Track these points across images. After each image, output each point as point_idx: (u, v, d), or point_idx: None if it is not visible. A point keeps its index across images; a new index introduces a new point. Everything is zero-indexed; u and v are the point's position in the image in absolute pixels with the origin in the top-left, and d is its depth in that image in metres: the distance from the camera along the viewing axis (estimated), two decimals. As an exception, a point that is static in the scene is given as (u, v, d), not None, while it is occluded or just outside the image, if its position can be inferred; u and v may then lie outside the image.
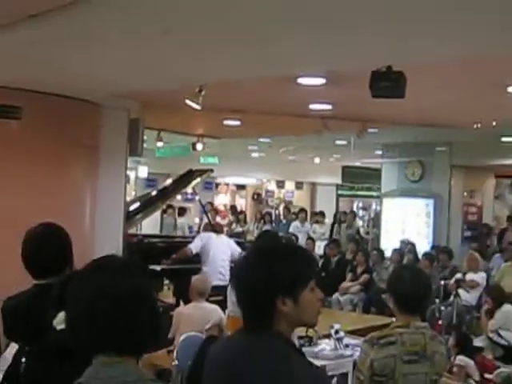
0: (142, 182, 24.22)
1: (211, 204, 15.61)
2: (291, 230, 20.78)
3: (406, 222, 18.82)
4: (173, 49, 6.31)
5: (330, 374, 6.28)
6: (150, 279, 2.56)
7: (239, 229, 22.83)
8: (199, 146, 15.05)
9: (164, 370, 7.07)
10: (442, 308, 12.82)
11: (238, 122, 13.53)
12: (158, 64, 7.08)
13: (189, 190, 14.91)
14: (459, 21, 4.91)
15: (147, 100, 9.94)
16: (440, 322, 12.29)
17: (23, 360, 3.43)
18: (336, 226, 23.16)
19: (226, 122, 13.57)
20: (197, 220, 23.19)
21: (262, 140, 18.90)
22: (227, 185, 30.85)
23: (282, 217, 26.04)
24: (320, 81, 8.71)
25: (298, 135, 16.50)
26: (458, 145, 17.88)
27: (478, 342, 11.21)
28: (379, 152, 19.91)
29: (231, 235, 18.00)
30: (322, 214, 22.59)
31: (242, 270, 2.72)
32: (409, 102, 7.32)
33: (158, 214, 19.48)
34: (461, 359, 9.80)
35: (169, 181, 14.75)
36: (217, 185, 29.12)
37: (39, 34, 5.87)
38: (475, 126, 13.11)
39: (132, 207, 12.56)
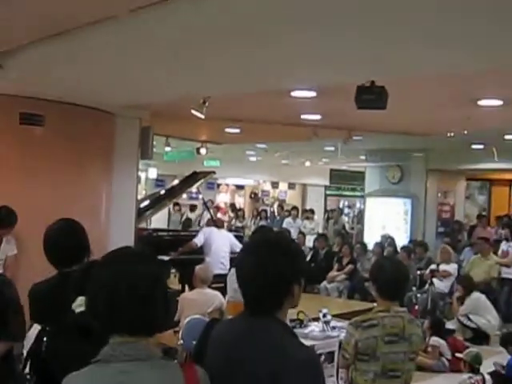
0: (151, 182, 24.17)
1: (212, 201, 15.59)
2: (284, 225, 20.76)
3: (386, 219, 18.79)
4: (180, 67, 6.33)
5: (318, 352, 6.30)
6: (162, 267, 2.57)
7: (238, 224, 22.80)
8: (203, 151, 15.03)
9: (170, 349, 7.07)
10: (418, 295, 12.82)
11: (237, 130, 13.51)
12: (167, 80, 7.09)
13: (193, 189, 14.90)
14: (434, 42, 4.93)
15: (157, 110, 9.93)
16: (416, 308, 12.30)
17: (45, 339, 3.44)
18: (324, 221, 23.19)
19: (227, 130, 13.55)
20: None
21: (258, 145, 18.87)
22: (227, 185, 30.79)
23: (276, 214, 25.97)
24: (311, 94, 8.71)
25: (290, 141, 16.48)
26: (432, 151, 17.88)
27: (450, 325, 11.23)
28: (363, 157, 19.89)
29: (231, 230, 17.98)
30: (311, 211, 22.56)
31: (264, 260, 2.69)
32: (390, 113, 7.31)
33: (166, 210, 19.46)
34: (435, 340, 9.83)
35: (175, 181, 14.78)
36: (218, 185, 29.09)
37: (62, 51, 5.88)
38: (448, 135, 13.10)
39: (143, 204, 12.53)
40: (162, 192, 14.14)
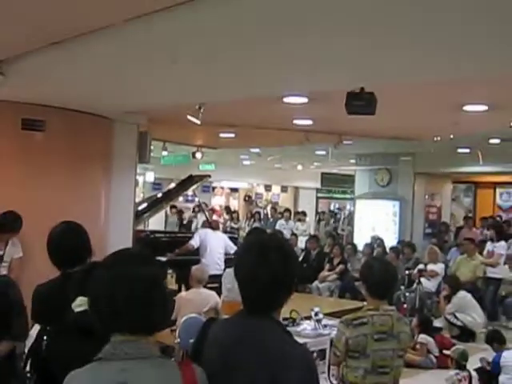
0: (149, 185, 24.15)
1: (206, 204, 15.58)
2: (277, 227, 20.76)
3: (375, 221, 18.79)
4: (177, 74, 6.33)
5: (310, 350, 6.31)
6: (162, 268, 2.57)
7: (233, 225, 22.80)
8: (198, 155, 15.01)
9: (167, 347, 7.07)
10: (407, 294, 12.83)
11: (231, 135, 13.51)
12: (164, 87, 7.09)
13: (189, 192, 14.89)
14: (422, 51, 4.94)
15: (154, 115, 9.93)
16: (405, 306, 12.31)
17: (45, 338, 3.43)
18: (315, 223, 23.18)
19: (222, 135, 13.56)
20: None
21: (252, 150, 18.88)
22: (222, 188, 30.81)
23: (269, 216, 25.96)
24: (302, 100, 8.72)
25: (283, 146, 16.50)
26: (420, 155, 17.90)
27: (437, 322, 11.25)
28: (353, 161, 19.90)
29: (226, 231, 17.97)
30: (303, 213, 22.56)
31: (266, 261, 2.69)
32: (379, 119, 7.32)
33: (163, 212, 19.44)
34: (423, 337, 9.86)
35: (172, 184, 14.74)
36: (213, 188, 29.08)
37: (62, 58, 5.88)
38: (435, 139, 13.11)
39: (140, 207, 12.53)
40: (159, 195, 14.13)
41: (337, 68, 5.81)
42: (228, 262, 10.65)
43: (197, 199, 16.03)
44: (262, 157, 20.47)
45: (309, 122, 11.19)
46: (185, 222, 22.02)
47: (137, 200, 11.74)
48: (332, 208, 30.95)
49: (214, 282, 9.25)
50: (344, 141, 12.96)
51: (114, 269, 2.43)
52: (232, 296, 7.79)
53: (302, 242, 18.09)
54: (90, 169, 9.04)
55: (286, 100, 8.72)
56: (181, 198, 19.01)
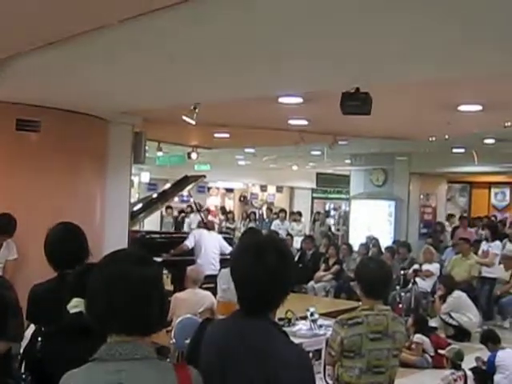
0: (144, 185, 24.14)
1: (199, 204, 15.55)
2: (272, 227, 20.78)
3: (371, 221, 18.81)
4: (172, 75, 6.34)
5: (306, 350, 6.31)
6: (159, 269, 2.58)
7: (229, 225, 22.81)
8: (193, 155, 15.03)
9: (163, 347, 7.07)
10: (402, 294, 12.84)
11: (226, 135, 13.52)
12: (159, 87, 7.10)
13: (185, 192, 14.88)
14: (416, 52, 4.96)
15: (149, 116, 9.93)
16: (400, 306, 12.33)
17: (39, 339, 3.43)
18: (310, 223, 23.19)
19: (217, 135, 13.56)
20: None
21: (247, 150, 18.88)
22: (218, 188, 30.81)
23: (264, 216, 26.02)
24: (298, 100, 8.74)
25: (278, 146, 16.50)
26: (415, 155, 17.93)
27: (432, 322, 11.27)
28: (348, 161, 19.90)
29: (221, 232, 17.98)
30: (299, 213, 22.59)
31: (266, 262, 2.69)
32: (374, 119, 7.33)
33: (158, 213, 19.44)
34: (418, 337, 9.87)
35: (167, 185, 14.73)
36: (209, 188, 29.10)
37: (57, 59, 5.88)
38: (430, 139, 13.15)
39: (135, 208, 12.54)
40: (155, 195, 14.13)
41: (332, 68, 5.83)
42: (223, 263, 10.65)
43: (192, 199, 16.00)
44: (258, 157, 20.47)
45: (304, 122, 11.20)
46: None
47: (132, 200, 11.74)
48: (327, 208, 30.94)
49: (210, 283, 9.24)
50: (339, 141, 12.98)
51: (111, 269, 2.43)
52: (227, 297, 7.80)
53: (297, 243, 18.10)
54: (84, 169, 9.04)
55: (281, 100, 8.73)
56: (176, 199, 19.00)
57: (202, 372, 2.49)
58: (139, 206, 13.01)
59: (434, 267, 13.54)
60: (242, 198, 30.84)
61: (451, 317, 11.46)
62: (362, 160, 19.07)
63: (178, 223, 22.02)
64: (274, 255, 2.71)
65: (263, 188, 32.65)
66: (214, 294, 8.40)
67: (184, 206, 22.87)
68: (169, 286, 11.97)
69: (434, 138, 13.09)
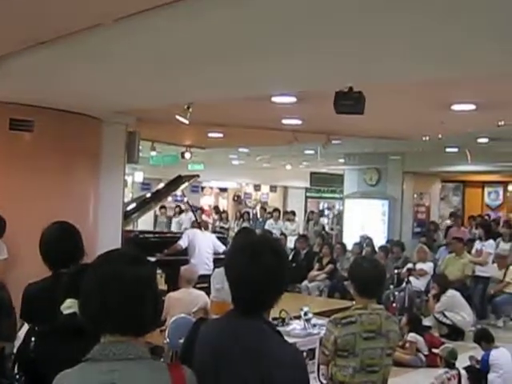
0: (137, 185, 24.10)
1: (189, 204, 15.49)
2: (266, 226, 20.78)
3: (364, 220, 18.82)
4: (166, 75, 6.34)
5: (300, 349, 6.32)
6: (153, 269, 2.57)
7: (223, 225, 22.81)
8: (187, 155, 15.02)
9: (157, 347, 7.07)
10: (396, 293, 12.87)
11: (220, 135, 13.52)
12: (153, 87, 7.10)
13: (178, 192, 14.88)
14: (410, 52, 4.97)
15: (143, 115, 9.92)
16: (394, 305, 12.37)
17: (33, 339, 3.43)
18: (304, 223, 23.20)
19: (211, 135, 13.55)
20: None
21: (241, 150, 18.89)
22: (211, 188, 30.81)
23: (258, 215, 26.01)
24: (291, 100, 8.74)
25: (272, 146, 16.51)
26: (409, 154, 17.96)
27: (426, 321, 11.30)
28: (342, 160, 19.92)
29: (215, 231, 17.98)
30: (292, 213, 22.58)
31: (263, 262, 2.70)
32: (367, 118, 7.34)
33: (152, 213, 19.42)
34: (412, 336, 9.90)
35: (161, 185, 14.71)
36: (202, 188, 29.07)
37: (51, 59, 5.87)
38: (424, 139, 13.17)
39: (129, 207, 12.53)
40: (148, 195, 14.12)
41: (325, 68, 5.83)
42: (217, 262, 10.66)
43: (185, 199, 15.99)
44: (251, 156, 20.49)
45: (297, 122, 11.21)
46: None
47: (125, 200, 11.73)
48: (321, 207, 30.95)
49: (203, 282, 9.25)
50: (333, 140, 12.99)
51: (104, 269, 2.43)
52: (221, 296, 7.80)
53: (291, 242, 18.12)
54: (78, 169, 9.02)
55: (274, 99, 8.73)
56: (170, 198, 18.98)
57: (195, 372, 2.49)
58: (133, 205, 13.00)
59: (428, 266, 13.57)
60: (235, 198, 30.83)
61: (445, 316, 11.49)
62: (355, 159, 19.09)
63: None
64: (269, 255, 2.72)
65: (257, 187, 32.65)
66: (208, 293, 8.40)
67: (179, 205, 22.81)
68: (163, 286, 11.96)
69: (427, 138, 13.11)
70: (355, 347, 4.58)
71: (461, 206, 24.27)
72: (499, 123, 10.33)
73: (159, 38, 5.10)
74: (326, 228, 23.37)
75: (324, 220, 25.50)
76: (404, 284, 12.97)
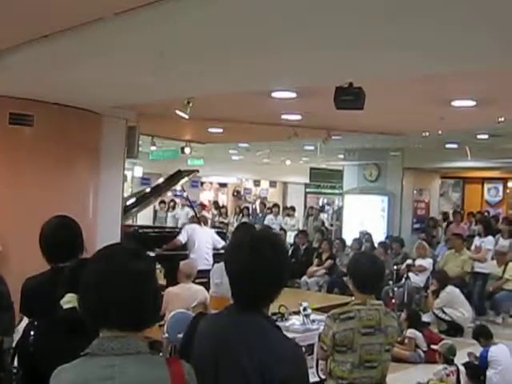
0: (137, 180, 24.09)
1: (188, 199, 15.51)
2: (266, 222, 20.81)
3: (364, 216, 18.83)
4: (166, 69, 6.33)
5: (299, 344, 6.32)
6: (152, 264, 2.57)
7: (222, 220, 22.82)
8: (187, 150, 15.03)
9: (156, 342, 7.08)
10: (395, 289, 12.88)
11: (220, 130, 13.52)
12: (153, 82, 7.08)
13: (178, 187, 14.89)
14: (409, 46, 4.97)
15: (142, 110, 9.92)
16: (393, 301, 12.37)
17: (32, 333, 3.43)
18: (304, 218, 23.20)
19: (210, 130, 13.56)
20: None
21: (240, 145, 18.91)
22: (211, 183, 30.82)
23: (258, 211, 26.00)
24: (291, 95, 8.73)
25: (271, 141, 16.51)
26: (408, 150, 17.96)
27: (425, 317, 11.32)
28: (341, 156, 19.94)
29: (214, 226, 17.99)
30: (292, 208, 22.62)
31: (264, 258, 2.70)
32: (367, 114, 7.34)
33: (151, 207, 19.41)
34: (411, 332, 9.91)
35: (161, 179, 14.72)
36: (202, 183, 29.06)
37: (51, 53, 5.87)
38: (423, 135, 13.17)
39: (129, 202, 12.53)
40: (148, 190, 14.11)
41: (326, 63, 5.83)
42: (216, 257, 10.66)
43: (185, 194, 16.00)
44: (251, 152, 20.50)
45: (297, 117, 11.21)
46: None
47: (125, 195, 11.73)
48: (320, 203, 30.93)
49: (203, 277, 9.26)
50: (332, 136, 12.98)
51: (104, 264, 2.43)
52: (221, 291, 7.81)
53: (290, 237, 18.15)
54: (78, 164, 9.02)
55: (274, 95, 8.73)
56: (169, 193, 19.00)
57: (194, 366, 2.48)
58: (132, 200, 13.00)
59: (427, 262, 13.59)
60: (235, 193, 30.82)
61: (444, 312, 11.50)
62: (355, 155, 19.11)
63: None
64: (269, 250, 2.72)
65: (256, 183, 32.67)
66: (207, 288, 8.41)
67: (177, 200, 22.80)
68: (162, 281, 11.98)
69: (427, 134, 13.11)
70: (353, 342, 4.59)
71: (460, 202, 24.29)
72: (499, 119, 10.33)
73: (160, 33, 5.10)
74: (326, 223, 23.36)
75: (324, 216, 25.48)
76: (403, 280, 12.99)
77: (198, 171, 15.11)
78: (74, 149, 8.83)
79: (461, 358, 8.77)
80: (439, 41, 4.81)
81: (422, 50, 5.12)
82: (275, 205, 22.95)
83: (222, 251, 10.12)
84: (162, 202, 21.00)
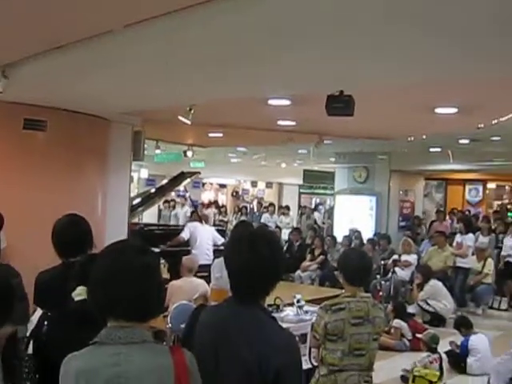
0: (143, 181, 24.04)
1: (190, 199, 15.52)
2: (262, 220, 20.80)
3: (353, 215, 18.82)
4: (170, 79, 6.33)
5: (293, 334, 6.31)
6: (156, 259, 2.57)
7: (222, 218, 22.80)
8: (189, 153, 15.01)
9: (160, 331, 7.07)
10: (382, 282, 12.90)
11: (220, 134, 13.51)
12: (158, 90, 7.09)
13: (181, 188, 14.87)
14: (395, 57, 4.98)
15: (148, 116, 9.91)
16: (380, 293, 12.40)
17: (45, 323, 3.43)
18: (297, 217, 23.19)
19: (211, 134, 13.55)
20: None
21: (239, 149, 18.89)
22: (211, 184, 30.79)
23: (255, 210, 25.99)
24: (286, 102, 8.74)
25: (268, 145, 16.50)
26: (395, 154, 17.95)
27: (410, 309, 11.33)
28: (333, 159, 19.90)
29: (214, 224, 17.98)
30: (287, 207, 22.60)
31: (263, 254, 2.71)
32: (357, 120, 7.33)
33: (156, 206, 19.40)
34: (397, 322, 9.92)
35: (165, 181, 14.71)
36: (203, 184, 29.04)
37: (64, 63, 5.86)
38: (409, 139, 13.18)
39: (135, 202, 12.53)
40: (153, 190, 14.10)
41: (318, 73, 5.84)
42: (216, 253, 10.66)
43: (187, 194, 15.99)
44: (248, 155, 20.49)
45: (292, 123, 11.20)
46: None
47: (132, 195, 11.72)
48: (313, 203, 30.91)
49: (204, 271, 9.25)
50: (324, 140, 12.98)
51: (112, 259, 2.43)
52: (220, 284, 7.79)
53: (285, 234, 18.15)
54: (87, 166, 9.02)
55: (270, 102, 8.73)
56: (173, 193, 18.98)
57: (196, 355, 2.48)
58: (138, 200, 13.00)
59: (412, 258, 13.60)
60: (234, 193, 30.82)
61: (428, 304, 11.51)
62: (345, 158, 19.07)
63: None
64: (265, 246, 2.73)
65: (254, 184, 32.66)
66: (208, 282, 8.40)
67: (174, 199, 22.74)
68: (165, 275, 11.97)
69: (412, 138, 13.12)
70: (344, 332, 4.59)
71: (443, 202, 24.30)
72: (479, 125, 10.34)
73: (166, 45, 5.10)
74: (318, 222, 23.35)
75: (316, 214, 25.46)
76: (390, 274, 13.02)
77: (199, 173, 15.11)
78: (84, 152, 8.83)
79: (443, 347, 8.80)
80: (421, 52, 4.83)
81: (406, 61, 5.14)
82: (271, 204, 22.94)
83: (222, 247, 10.11)
84: (166, 201, 20.98)
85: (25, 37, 5.32)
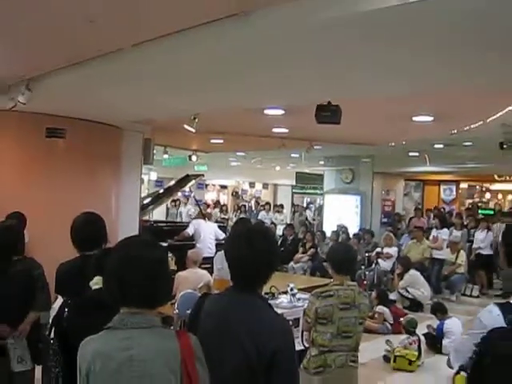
0: (152, 183, 24.00)
1: (195, 198, 15.55)
2: (259, 217, 20.79)
3: (341, 212, 18.79)
4: (177, 92, 6.34)
5: (286, 318, 6.31)
6: (165, 252, 2.57)
7: (223, 216, 22.78)
8: (194, 158, 15.01)
9: (168, 317, 7.06)
10: (366, 272, 12.91)
11: (221, 141, 13.51)
12: (166, 102, 7.10)
13: (186, 188, 14.85)
14: (378, 72, 4.98)
15: (157, 125, 9.92)
16: (365, 282, 12.42)
17: (66, 310, 3.44)
18: (291, 214, 23.18)
19: (213, 141, 13.55)
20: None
21: (238, 153, 18.86)
22: (214, 185, 30.77)
23: (253, 208, 25.97)
24: (280, 112, 8.75)
25: (264, 150, 16.50)
26: (378, 157, 17.92)
27: (392, 296, 11.31)
28: (322, 162, 19.88)
29: (216, 221, 17.96)
30: (281, 206, 22.61)
31: (261, 246, 2.71)
32: (343, 127, 7.34)
33: (164, 205, 19.36)
34: (380, 308, 9.92)
35: (172, 182, 14.69)
36: (206, 185, 29.02)
37: (81, 77, 5.87)
38: (390, 144, 13.19)
39: (145, 201, 12.50)
40: (161, 191, 14.08)
41: (308, 86, 5.85)
42: (218, 247, 10.64)
43: (192, 194, 15.98)
44: (247, 159, 20.45)
45: (285, 130, 11.21)
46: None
47: (142, 195, 11.71)
48: (305, 202, 30.89)
49: (207, 263, 9.24)
50: (314, 146, 12.98)
51: (124, 252, 2.43)
52: (221, 274, 7.78)
53: (279, 230, 18.14)
54: (102, 169, 9.03)
55: (266, 112, 8.74)
56: (179, 194, 18.95)
57: (200, 339, 2.48)
58: (148, 199, 12.97)
59: (393, 250, 13.59)
60: (234, 193, 30.76)
61: (407, 291, 11.51)
62: (333, 161, 19.04)
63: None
64: (262, 241, 2.74)
65: (252, 185, 32.62)
66: (211, 272, 8.39)
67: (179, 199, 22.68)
68: (173, 267, 11.94)
69: (393, 144, 13.13)
70: (333, 316, 4.60)
71: (421, 200, 24.31)
72: (452, 131, 10.35)
73: (172, 63, 5.11)
74: (309, 218, 23.32)
75: (308, 212, 25.43)
76: (373, 265, 13.04)
77: (203, 175, 15.10)
78: (99, 157, 8.85)
79: (421, 330, 8.79)
80: (399, 70, 4.84)
81: (386, 75, 5.15)
82: (267, 203, 22.94)
83: (223, 242, 10.10)
84: (173, 200, 20.94)
85: (47, 54, 5.34)
